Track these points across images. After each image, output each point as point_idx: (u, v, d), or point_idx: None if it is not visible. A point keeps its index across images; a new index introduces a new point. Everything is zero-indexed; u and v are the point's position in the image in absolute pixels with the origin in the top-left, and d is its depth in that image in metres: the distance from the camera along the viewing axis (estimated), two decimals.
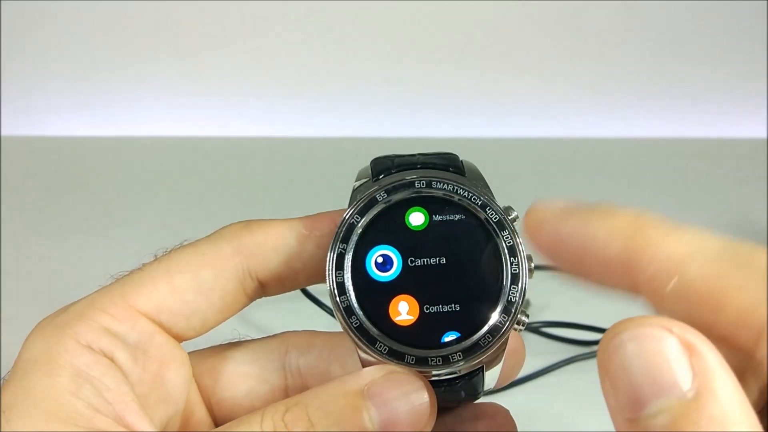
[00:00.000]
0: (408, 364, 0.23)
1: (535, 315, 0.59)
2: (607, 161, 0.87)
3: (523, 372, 0.52)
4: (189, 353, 0.27)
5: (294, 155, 0.88)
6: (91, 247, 0.68)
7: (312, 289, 0.54)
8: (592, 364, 0.54)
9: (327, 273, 0.24)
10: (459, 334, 0.24)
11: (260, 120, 0.93)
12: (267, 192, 0.79)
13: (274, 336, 0.28)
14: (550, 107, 0.94)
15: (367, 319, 0.24)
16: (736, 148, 0.90)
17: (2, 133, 0.88)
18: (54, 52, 0.87)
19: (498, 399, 0.52)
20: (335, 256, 0.24)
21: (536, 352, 0.55)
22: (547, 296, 0.61)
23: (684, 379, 0.15)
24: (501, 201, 0.26)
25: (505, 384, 0.26)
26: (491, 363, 0.25)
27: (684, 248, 0.17)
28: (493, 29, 0.90)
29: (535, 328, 0.56)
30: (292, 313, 0.48)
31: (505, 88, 0.93)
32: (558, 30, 0.89)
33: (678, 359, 0.16)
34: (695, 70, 0.92)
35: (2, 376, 0.23)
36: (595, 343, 0.55)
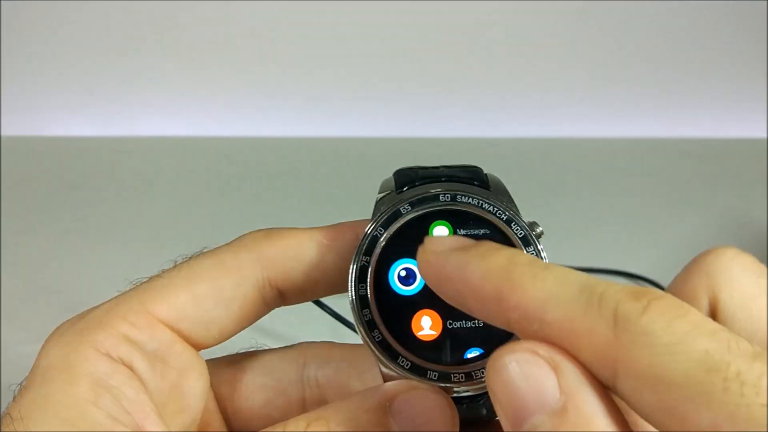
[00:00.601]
0: (430, 380, 0.23)
1: None
2: (606, 161, 0.88)
3: None
4: (206, 362, 0.26)
5: (297, 155, 0.88)
6: (91, 248, 0.68)
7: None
8: None
9: (349, 286, 0.24)
10: (482, 351, 0.24)
11: (261, 120, 0.92)
12: (268, 192, 0.79)
13: (292, 347, 0.28)
14: (549, 107, 0.94)
15: (390, 333, 0.24)
16: (736, 148, 0.90)
17: (2, 133, 0.88)
18: (54, 52, 0.87)
19: None
20: (358, 268, 0.24)
21: None
22: None
23: (552, 395, 0.17)
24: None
25: None
26: None
27: (544, 293, 0.18)
28: (494, 29, 0.90)
29: None
30: (303, 319, 0.48)
31: (504, 89, 0.93)
32: (558, 30, 0.89)
33: (545, 378, 0.17)
34: (695, 70, 0.92)
35: (2, 376, 0.23)
36: None
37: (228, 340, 0.26)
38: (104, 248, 0.68)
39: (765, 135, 0.91)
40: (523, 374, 0.17)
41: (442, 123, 0.93)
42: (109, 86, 0.89)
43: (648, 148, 0.91)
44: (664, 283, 0.63)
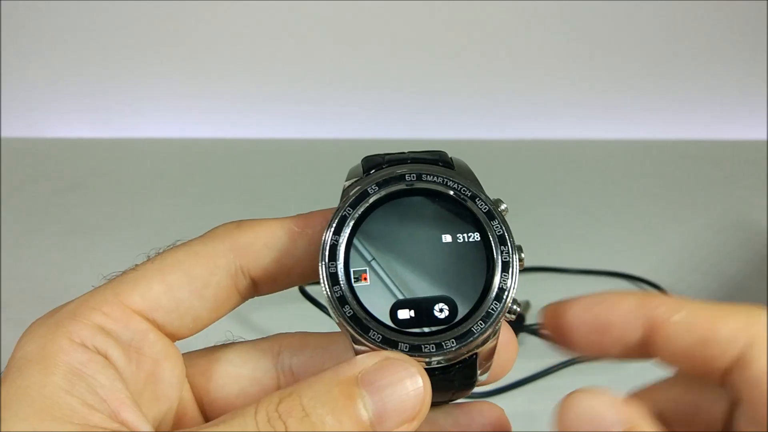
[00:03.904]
0: (402, 351, 0.23)
1: (536, 317, 0.59)
2: (607, 163, 0.88)
3: (523, 374, 0.52)
4: (182, 354, 0.27)
5: (293, 156, 0.88)
6: (91, 248, 0.68)
7: (313, 291, 0.54)
8: (592, 366, 0.54)
9: (320, 264, 0.24)
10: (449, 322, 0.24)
11: (260, 121, 0.93)
12: (266, 192, 0.79)
13: (267, 337, 0.28)
14: (549, 109, 0.94)
15: (361, 308, 0.24)
16: (736, 149, 0.90)
17: (2, 134, 0.88)
18: (54, 53, 0.87)
19: (498, 400, 0.51)
20: (328, 247, 0.24)
21: (536, 354, 0.55)
22: (547, 298, 0.61)
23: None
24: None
25: (499, 378, 0.26)
26: (484, 353, 0.25)
27: (677, 301, 0.23)
28: (492, 30, 0.90)
29: (535, 330, 0.56)
30: (292, 315, 0.48)
31: (505, 90, 0.93)
32: (557, 32, 0.89)
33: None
34: (695, 71, 0.92)
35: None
36: None
37: (205, 336, 0.27)
38: (104, 248, 0.68)
39: (765, 137, 0.91)
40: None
41: (441, 125, 0.93)
42: (109, 87, 0.89)
43: (648, 150, 0.91)
44: (664, 284, 0.63)
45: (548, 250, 0.67)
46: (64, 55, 0.88)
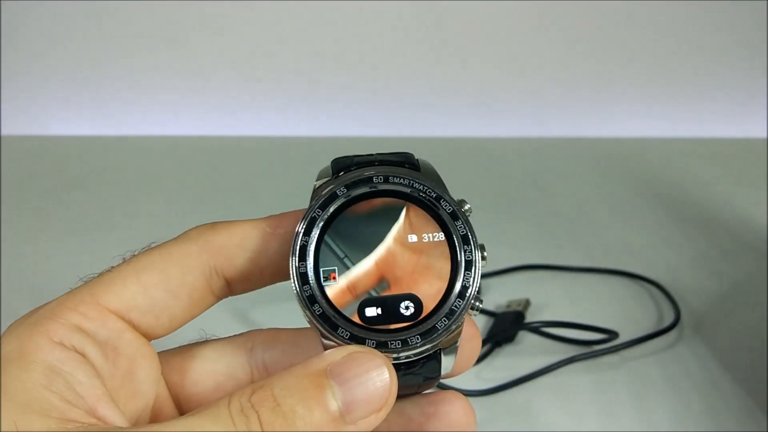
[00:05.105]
0: (369, 347, 0.24)
1: (535, 315, 0.59)
2: (607, 161, 0.88)
3: (523, 372, 0.52)
4: (158, 353, 0.27)
5: (292, 155, 0.88)
6: (90, 247, 0.68)
7: None
8: (592, 364, 0.54)
9: (290, 264, 0.25)
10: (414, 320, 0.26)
11: (259, 120, 0.93)
12: (266, 191, 0.80)
13: (240, 334, 0.29)
14: (549, 107, 0.94)
15: (330, 307, 0.25)
16: (736, 147, 0.90)
17: (2, 133, 0.89)
18: (54, 52, 0.88)
19: (497, 398, 0.52)
20: (298, 248, 0.25)
21: (536, 352, 0.55)
22: (547, 296, 0.61)
23: None
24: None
25: (464, 371, 0.28)
26: (448, 348, 0.26)
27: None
28: (489, 29, 0.90)
29: (535, 328, 0.57)
30: (291, 312, 0.48)
31: (504, 88, 0.93)
32: (556, 29, 0.90)
33: None
34: (695, 70, 0.92)
35: None
36: (595, 342, 0.55)
37: (179, 335, 0.27)
38: (103, 247, 0.68)
39: (765, 135, 0.91)
40: None
41: (437, 122, 0.94)
42: (109, 86, 0.90)
43: (648, 148, 0.91)
44: (664, 282, 0.63)
45: (548, 248, 0.67)
46: (64, 53, 0.88)
